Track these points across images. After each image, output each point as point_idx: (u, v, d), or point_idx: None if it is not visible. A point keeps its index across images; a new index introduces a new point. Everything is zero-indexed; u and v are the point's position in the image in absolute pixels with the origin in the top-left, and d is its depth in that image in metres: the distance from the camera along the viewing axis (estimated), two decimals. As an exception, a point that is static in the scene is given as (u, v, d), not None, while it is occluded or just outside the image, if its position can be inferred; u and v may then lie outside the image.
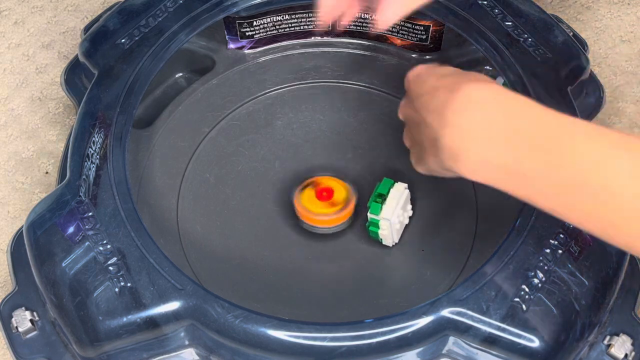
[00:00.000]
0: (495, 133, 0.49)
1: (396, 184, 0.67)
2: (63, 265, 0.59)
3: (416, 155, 0.59)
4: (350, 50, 0.81)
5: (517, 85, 0.67)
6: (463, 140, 0.50)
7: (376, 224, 0.66)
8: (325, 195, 0.68)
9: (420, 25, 0.77)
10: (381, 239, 0.68)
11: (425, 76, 0.57)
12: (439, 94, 0.53)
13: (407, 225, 0.69)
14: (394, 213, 0.66)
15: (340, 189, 0.69)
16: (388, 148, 0.74)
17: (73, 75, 0.76)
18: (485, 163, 0.50)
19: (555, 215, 0.49)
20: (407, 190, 0.68)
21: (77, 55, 0.75)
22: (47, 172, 0.80)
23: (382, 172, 0.71)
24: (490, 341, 0.57)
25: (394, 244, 0.68)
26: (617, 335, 0.61)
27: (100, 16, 0.78)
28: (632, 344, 0.61)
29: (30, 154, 0.81)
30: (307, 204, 0.68)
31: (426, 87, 0.55)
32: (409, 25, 0.77)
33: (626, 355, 0.60)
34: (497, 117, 0.49)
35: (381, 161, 0.73)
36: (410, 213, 0.69)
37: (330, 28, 0.80)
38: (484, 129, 0.49)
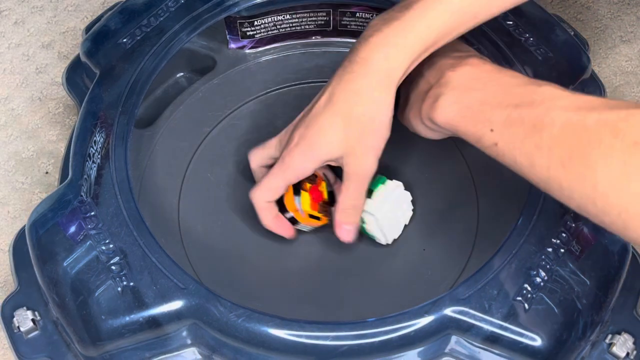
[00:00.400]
0: (474, 84, 0.57)
1: (388, 181, 0.67)
2: (65, 264, 0.59)
3: (402, 107, 0.66)
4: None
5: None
6: (448, 89, 0.58)
7: (361, 219, 0.66)
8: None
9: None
10: (373, 236, 0.68)
11: (445, 47, 0.62)
12: (447, 61, 0.61)
13: (408, 224, 0.69)
14: (380, 209, 0.66)
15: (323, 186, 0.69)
16: (389, 146, 0.73)
17: (74, 74, 0.76)
18: (456, 104, 0.57)
19: (495, 154, 0.55)
20: (402, 189, 0.68)
21: (78, 55, 0.75)
22: (47, 172, 0.80)
23: (382, 170, 0.71)
24: (492, 340, 0.57)
25: (387, 243, 0.68)
26: (619, 334, 0.61)
27: (101, 16, 0.78)
28: (634, 343, 0.61)
29: (30, 154, 0.81)
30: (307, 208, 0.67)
31: (440, 52, 0.62)
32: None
33: (628, 354, 0.60)
34: (481, 74, 0.58)
35: (383, 160, 0.73)
36: (410, 213, 0.69)
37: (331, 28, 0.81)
38: (467, 82, 0.58)
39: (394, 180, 0.68)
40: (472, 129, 0.56)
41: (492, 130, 0.54)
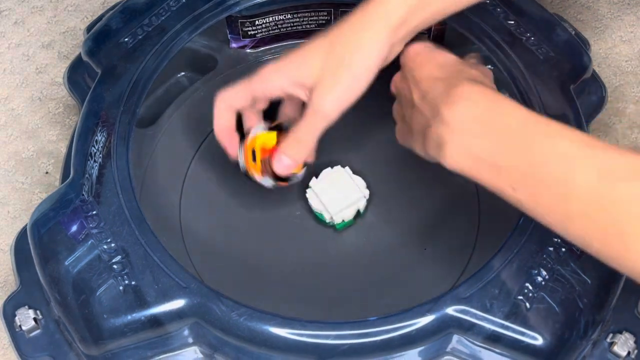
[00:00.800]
0: (479, 128, 0.53)
1: (337, 167, 0.71)
2: (67, 263, 0.59)
3: (402, 131, 0.63)
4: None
5: (519, 83, 0.67)
6: (450, 132, 0.54)
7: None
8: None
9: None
10: (321, 215, 0.69)
11: (425, 59, 0.59)
12: (436, 86, 0.56)
13: (410, 224, 0.70)
14: (317, 184, 0.70)
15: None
16: (390, 146, 0.73)
17: (75, 74, 0.76)
18: (466, 154, 0.54)
19: (521, 208, 0.52)
20: (346, 172, 0.71)
21: (79, 55, 0.75)
22: (47, 172, 0.80)
23: (382, 167, 0.71)
24: (493, 339, 0.57)
25: (332, 220, 0.69)
26: (620, 333, 0.61)
27: (102, 15, 0.78)
28: (635, 342, 0.61)
29: (30, 154, 0.81)
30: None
31: (425, 72, 0.58)
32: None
33: (629, 353, 0.61)
34: (483, 115, 0.53)
35: (383, 159, 0.73)
36: (358, 195, 0.70)
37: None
38: (469, 124, 0.53)
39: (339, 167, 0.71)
40: (491, 183, 0.54)
41: (513, 189, 0.52)
